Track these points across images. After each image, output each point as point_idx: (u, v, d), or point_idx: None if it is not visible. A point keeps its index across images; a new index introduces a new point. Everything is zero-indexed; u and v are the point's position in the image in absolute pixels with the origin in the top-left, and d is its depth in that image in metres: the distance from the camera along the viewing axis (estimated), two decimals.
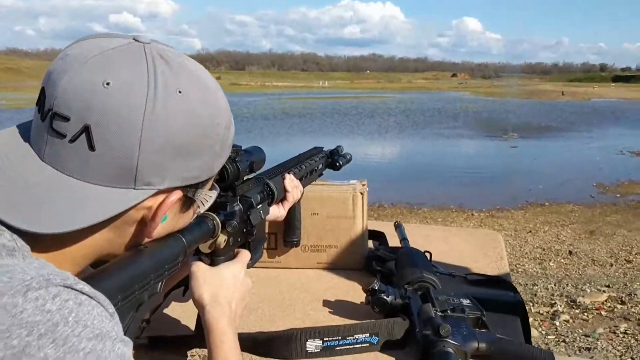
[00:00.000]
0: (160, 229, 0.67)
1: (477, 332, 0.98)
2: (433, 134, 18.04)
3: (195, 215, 0.77)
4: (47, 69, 0.61)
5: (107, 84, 0.57)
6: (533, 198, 8.29)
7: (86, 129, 0.56)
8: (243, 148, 0.99)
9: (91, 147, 0.57)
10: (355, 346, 0.98)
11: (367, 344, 0.98)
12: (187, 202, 0.70)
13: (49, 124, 0.57)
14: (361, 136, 17.35)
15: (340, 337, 0.97)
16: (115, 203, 0.59)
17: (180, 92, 0.61)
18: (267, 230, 1.39)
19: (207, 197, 0.73)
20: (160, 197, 0.64)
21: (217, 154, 0.68)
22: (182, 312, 1.11)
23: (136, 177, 0.59)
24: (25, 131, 0.62)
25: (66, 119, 0.56)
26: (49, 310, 0.47)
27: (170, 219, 0.69)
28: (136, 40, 0.62)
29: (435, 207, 7.95)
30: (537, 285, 4.37)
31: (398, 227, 1.61)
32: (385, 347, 0.99)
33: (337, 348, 0.97)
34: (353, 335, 0.97)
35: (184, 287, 0.97)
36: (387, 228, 1.64)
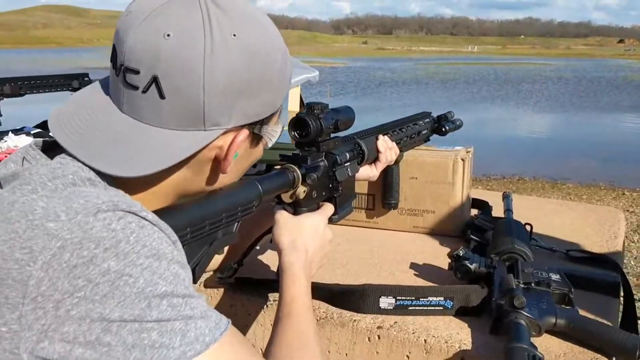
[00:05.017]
0: (233, 166, 0.73)
1: (558, 308, 0.94)
2: (589, 106, 16.64)
3: (266, 148, 0.82)
4: (116, 27, 0.68)
5: (168, 35, 0.62)
6: None
7: (155, 80, 0.63)
8: (334, 107, 1.03)
9: (161, 96, 0.63)
10: (429, 308, 0.99)
11: (441, 308, 0.99)
12: (255, 138, 0.75)
13: (122, 78, 0.65)
14: (507, 105, 16.50)
15: (413, 298, 0.98)
16: (189, 144, 0.66)
17: (235, 35, 0.65)
18: (366, 191, 1.43)
19: (274, 132, 0.77)
20: (230, 136, 0.69)
21: (277, 88, 0.72)
22: (271, 258, 1.19)
23: (204, 119, 0.65)
24: (104, 86, 0.70)
25: (136, 72, 0.63)
26: (114, 229, 0.56)
27: (242, 156, 0.75)
28: None
29: (581, 184, 7.42)
30: None
31: (506, 197, 1.56)
32: (460, 313, 0.99)
33: (410, 307, 0.99)
34: (427, 297, 0.99)
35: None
36: (498, 199, 1.59)
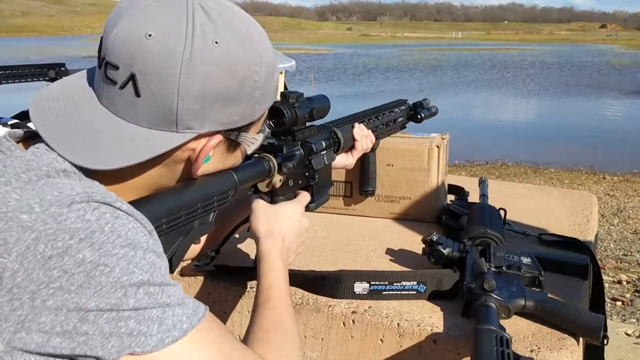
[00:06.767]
0: (207, 168, 0.74)
1: (527, 290, 0.96)
2: (571, 91, 16.78)
3: (246, 155, 0.83)
4: (107, 19, 0.69)
5: (149, 35, 0.63)
6: None
7: (132, 78, 0.63)
8: (309, 96, 1.04)
9: (137, 94, 0.64)
10: (402, 292, 1.01)
11: (414, 292, 1.01)
12: (232, 144, 0.75)
13: (104, 72, 0.65)
14: (492, 91, 16.59)
15: (387, 283, 1.00)
16: (160, 144, 0.66)
17: (217, 42, 0.65)
18: (343, 179, 1.44)
19: (253, 140, 0.77)
20: (203, 140, 0.70)
21: (257, 100, 0.72)
22: (249, 246, 1.21)
23: (177, 121, 0.66)
24: (91, 75, 0.71)
25: (116, 67, 0.64)
26: (88, 219, 0.56)
27: (217, 159, 0.75)
28: None
29: (563, 168, 7.51)
30: None
31: (482, 183, 1.58)
32: (434, 297, 1.02)
33: (384, 292, 1.01)
34: (400, 282, 1.01)
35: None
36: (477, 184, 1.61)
